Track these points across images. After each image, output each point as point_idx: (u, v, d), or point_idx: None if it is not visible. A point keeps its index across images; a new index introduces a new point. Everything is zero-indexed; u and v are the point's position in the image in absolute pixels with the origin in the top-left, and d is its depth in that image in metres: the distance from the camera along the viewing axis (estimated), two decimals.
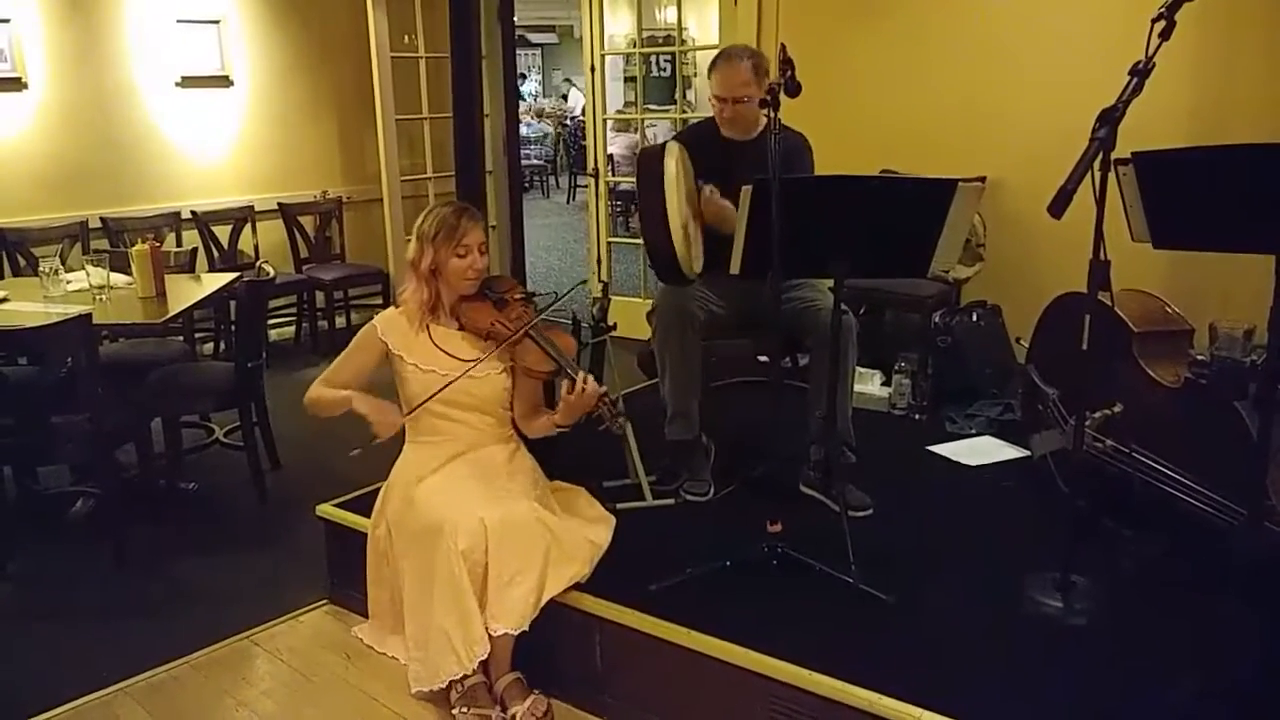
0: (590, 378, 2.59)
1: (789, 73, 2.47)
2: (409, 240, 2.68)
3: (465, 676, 2.35)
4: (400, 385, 2.69)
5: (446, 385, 2.58)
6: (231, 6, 5.67)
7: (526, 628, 2.36)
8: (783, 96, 2.46)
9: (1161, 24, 2.08)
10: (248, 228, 5.74)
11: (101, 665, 2.69)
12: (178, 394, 3.77)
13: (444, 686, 2.37)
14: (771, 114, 2.46)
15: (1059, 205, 2.02)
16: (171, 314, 3.59)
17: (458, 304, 2.69)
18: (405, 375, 2.65)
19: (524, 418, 2.74)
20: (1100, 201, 2.10)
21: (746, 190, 2.47)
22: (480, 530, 2.37)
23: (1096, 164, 2.07)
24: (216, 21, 5.60)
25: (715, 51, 3.18)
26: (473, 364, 2.60)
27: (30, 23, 4.89)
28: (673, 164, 2.82)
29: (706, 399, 3.16)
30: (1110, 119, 2.06)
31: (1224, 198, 2.02)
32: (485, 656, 2.34)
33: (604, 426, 2.65)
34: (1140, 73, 2.08)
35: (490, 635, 2.34)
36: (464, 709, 2.36)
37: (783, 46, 2.56)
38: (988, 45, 4.28)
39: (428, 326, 2.67)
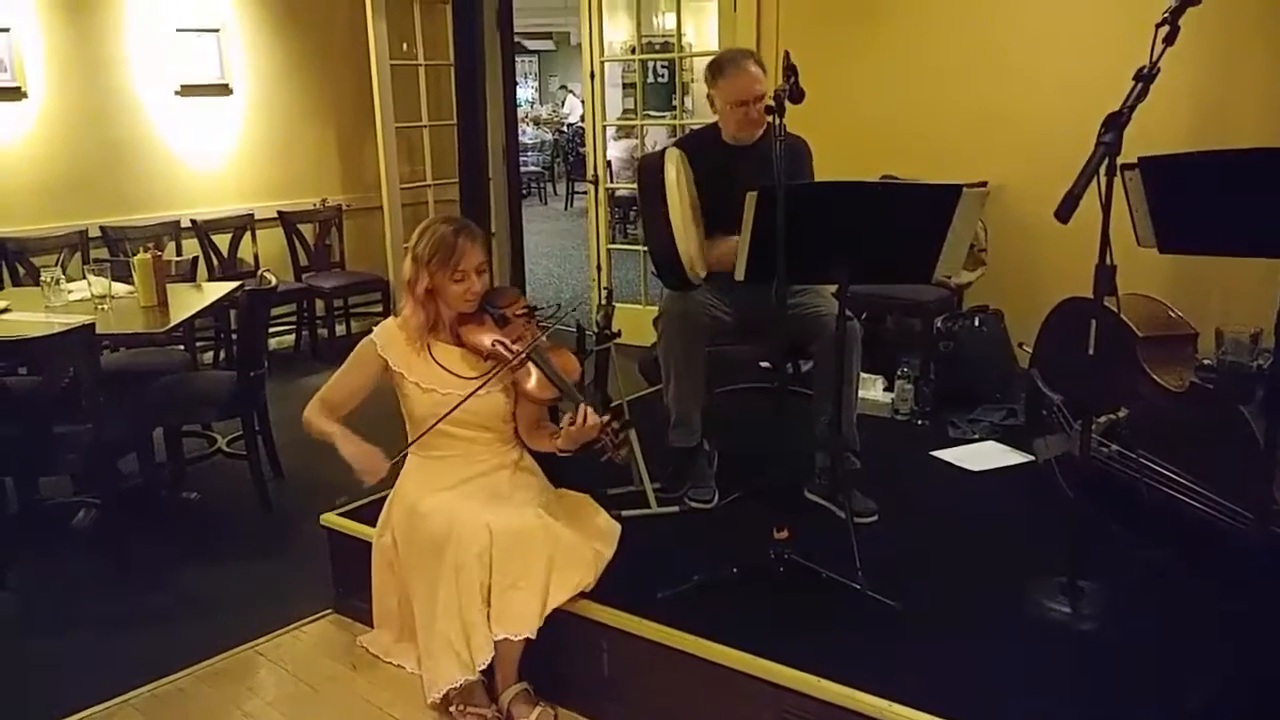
0: (590, 410, 2.52)
1: (793, 79, 2.48)
2: (405, 248, 2.63)
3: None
4: (403, 401, 2.66)
5: (451, 411, 2.53)
6: (231, 15, 5.67)
7: (531, 635, 2.35)
8: (786, 103, 2.46)
9: (1165, 29, 2.09)
10: (247, 236, 5.73)
11: (105, 676, 2.68)
12: (179, 403, 3.76)
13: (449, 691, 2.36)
14: (776, 119, 2.46)
15: (1066, 210, 2.02)
16: (174, 323, 3.58)
17: (457, 321, 2.64)
18: (407, 392, 2.62)
19: (528, 432, 2.72)
20: (1106, 206, 2.11)
21: (752, 196, 2.47)
22: (485, 536, 2.36)
23: (1102, 169, 2.07)
24: (216, 30, 5.60)
25: (712, 57, 3.17)
26: (476, 387, 2.54)
27: (30, 32, 4.89)
28: (673, 170, 2.83)
29: (709, 405, 3.15)
30: (1116, 124, 2.06)
31: (1231, 202, 2.02)
32: (488, 663, 2.33)
33: (606, 457, 2.59)
34: (1145, 78, 2.09)
35: (493, 640, 2.33)
36: (459, 707, 2.36)
37: (786, 54, 2.57)
38: (988, 50, 4.30)
39: (428, 345, 2.63)
